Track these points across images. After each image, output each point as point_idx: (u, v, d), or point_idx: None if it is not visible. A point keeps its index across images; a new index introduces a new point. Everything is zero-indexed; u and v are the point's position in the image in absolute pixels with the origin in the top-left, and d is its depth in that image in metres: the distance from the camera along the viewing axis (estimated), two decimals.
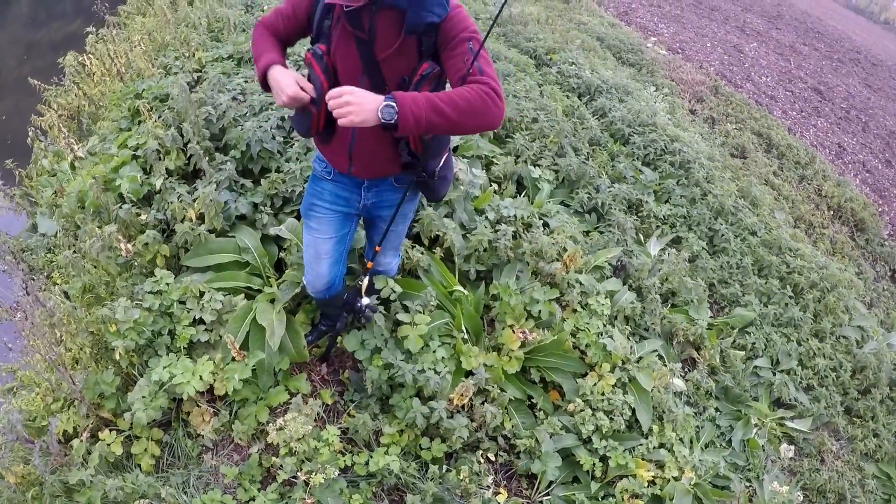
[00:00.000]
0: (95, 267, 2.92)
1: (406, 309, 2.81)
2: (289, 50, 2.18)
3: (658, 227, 4.67)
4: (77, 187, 3.29)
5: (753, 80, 10.24)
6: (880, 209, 7.64)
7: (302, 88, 1.81)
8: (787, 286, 4.74)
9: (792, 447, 3.50)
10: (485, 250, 3.39)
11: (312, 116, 1.94)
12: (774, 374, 4.03)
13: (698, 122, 7.51)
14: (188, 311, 2.66)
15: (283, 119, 3.54)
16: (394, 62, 1.83)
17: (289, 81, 1.80)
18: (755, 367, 4.02)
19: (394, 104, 1.58)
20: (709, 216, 5.03)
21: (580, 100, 6.31)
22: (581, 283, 3.44)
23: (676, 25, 12.67)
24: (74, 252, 2.89)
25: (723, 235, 4.90)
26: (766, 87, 10.20)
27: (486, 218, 3.59)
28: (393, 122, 1.59)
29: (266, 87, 1.90)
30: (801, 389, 4.09)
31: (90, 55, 5.28)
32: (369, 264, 2.35)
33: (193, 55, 5.03)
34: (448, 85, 1.84)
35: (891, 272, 6.49)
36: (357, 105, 1.59)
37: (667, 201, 5.09)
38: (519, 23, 8.25)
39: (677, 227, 4.80)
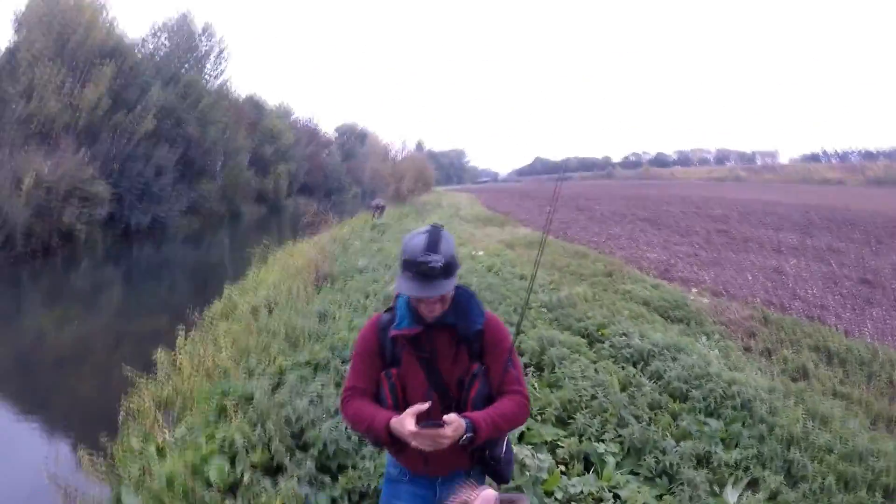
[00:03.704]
0: None
1: None
2: None
3: (731, 473, 5.08)
4: (167, 469, 3.75)
5: (800, 297, 10.91)
6: None
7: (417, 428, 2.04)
8: (875, 492, 4.83)
9: None
10: None
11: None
12: None
13: (755, 356, 8.11)
14: None
15: None
16: (452, 369, 2.25)
17: (409, 427, 2.03)
18: None
19: (472, 434, 2.03)
20: (780, 449, 5.40)
21: (635, 367, 7.05)
22: None
23: (716, 268, 13.84)
24: None
25: (798, 463, 5.21)
26: (814, 298, 10.81)
27: (556, 499, 3.99)
28: (471, 444, 2.06)
29: (391, 440, 2.15)
30: None
31: (180, 353, 6.32)
32: None
33: (274, 360, 5.92)
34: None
35: None
36: (450, 441, 2.00)
37: (736, 445, 5.53)
38: (568, 305, 9.31)
39: (751, 468, 5.18)
